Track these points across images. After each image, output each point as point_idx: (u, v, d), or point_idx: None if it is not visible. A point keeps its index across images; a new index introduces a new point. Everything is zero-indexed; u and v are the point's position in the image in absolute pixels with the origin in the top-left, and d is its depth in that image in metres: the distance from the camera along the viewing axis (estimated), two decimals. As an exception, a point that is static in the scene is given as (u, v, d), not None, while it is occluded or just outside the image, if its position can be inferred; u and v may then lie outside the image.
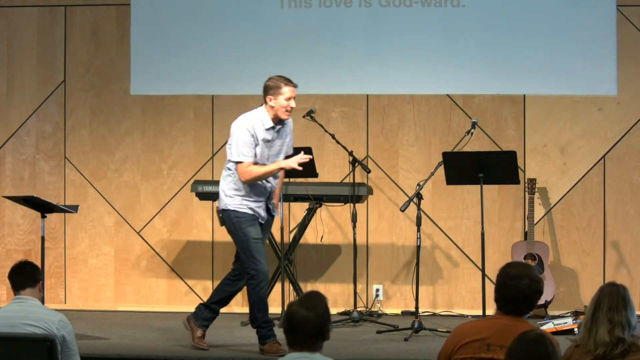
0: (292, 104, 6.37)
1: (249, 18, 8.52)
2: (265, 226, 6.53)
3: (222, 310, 8.47)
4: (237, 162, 6.36)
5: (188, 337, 6.63)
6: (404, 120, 8.45)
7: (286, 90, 6.34)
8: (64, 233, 8.67)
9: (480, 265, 7.45)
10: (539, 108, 8.35)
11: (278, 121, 6.40)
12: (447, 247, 8.38)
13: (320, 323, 3.68)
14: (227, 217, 6.44)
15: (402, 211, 7.19)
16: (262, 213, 6.43)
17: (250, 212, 6.38)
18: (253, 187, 6.39)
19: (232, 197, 6.39)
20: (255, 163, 6.35)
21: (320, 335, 3.69)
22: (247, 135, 6.34)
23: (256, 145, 6.34)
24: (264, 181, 6.41)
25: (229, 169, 6.43)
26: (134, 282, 8.62)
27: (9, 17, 8.75)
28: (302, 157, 6.34)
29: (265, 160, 6.40)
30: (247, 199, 6.38)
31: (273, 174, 6.42)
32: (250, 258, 6.34)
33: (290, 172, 7.34)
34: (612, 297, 4.09)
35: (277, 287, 7.76)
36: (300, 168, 6.35)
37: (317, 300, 3.73)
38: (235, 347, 6.70)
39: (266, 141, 6.38)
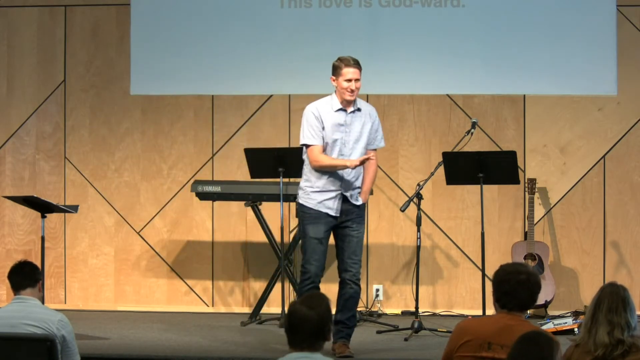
0: (353, 85, 6.26)
1: (249, 18, 8.51)
2: (348, 216, 6.30)
3: (222, 310, 8.52)
4: (306, 146, 6.30)
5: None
6: (404, 120, 8.45)
7: (346, 72, 6.28)
8: (64, 233, 8.67)
9: (480, 265, 7.45)
10: (539, 108, 8.35)
11: (348, 104, 6.32)
12: (447, 247, 8.38)
13: (321, 322, 3.67)
14: (298, 209, 6.49)
15: (402, 211, 7.19)
16: (335, 204, 6.25)
17: (316, 208, 6.27)
18: (325, 177, 6.26)
19: (303, 190, 6.35)
20: (326, 147, 6.27)
21: (321, 335, 3.69)
22: (311, 118, 6.29)
23: (323, 128, 6.26)
24: (339, 171, 6.28)
25: (304, 160, 6.39)
26: (134, 282, 8.62)
27: (9, 17, 8.75)
28: (364, 157, 6.20)
29: (342, 146, 6.27)
30: (318, 190, 6.26)
31: (338, 169, 6.23)
32: (304, 255, 6.35)
33: (289, 172, 7.34)
34: (611, 298, 4.09)
35: (277, 287, 7.76)
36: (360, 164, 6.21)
37: (319, 300, 3.73)
38: (235, 347, 6.70)
39: (339, 125, 6.27)
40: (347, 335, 6.29)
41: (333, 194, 6.27)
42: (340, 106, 6.31)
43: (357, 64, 6.32)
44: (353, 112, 6.34)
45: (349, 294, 6.29)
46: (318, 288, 6.30)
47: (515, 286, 4.15)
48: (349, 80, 6.26)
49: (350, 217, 6.32)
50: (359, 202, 6.36)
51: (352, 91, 6.27)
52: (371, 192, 8.02)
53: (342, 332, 6.26)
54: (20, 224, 8.70)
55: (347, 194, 6.29)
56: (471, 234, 8.31)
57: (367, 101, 8.39)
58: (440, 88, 8.38)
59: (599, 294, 4.14)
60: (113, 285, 8.63)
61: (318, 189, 6.28)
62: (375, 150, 6.44)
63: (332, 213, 6.27)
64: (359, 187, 6.36)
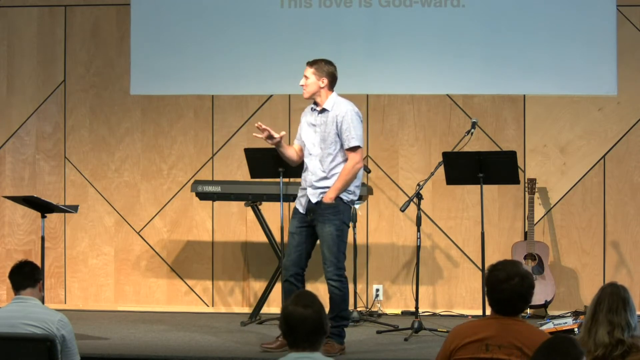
0: (302, 82, 6.42)
1: (249, 18, 8.52)
2: (314, 215, 6.33)
3: (222, 310, 8.51)
4: None
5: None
6: (404, 120, 8.45)
7: None
8: (64, 233, 8.67)
9: (480, 265, 7.45)
10: (539, 108, 8.35)
11: (316, 103, 6.42)
12: (447, 247, 8.38)
13: (319, 319, 3.69)
14: None
15: (402, 211, 7.19)
16: (304, 202, 6.39)
17: (296, 204, 6.48)
18: (302, 174, 6.46)
19: None
20: (303, 146, 6.47)
21: (321, 330, 3.70)
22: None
23: (302, 127, 6.49)
24: (306, 169, 6.41)
25: None
26: (134, 282, 8.62)
27: (9, 17, 8.75)
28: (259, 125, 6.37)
29: (312, 146, 6.39)
30: (300, 187, 6.48)
31: (283, 152, 6.49)
32: None
33: (289, 172, 7.33)
34: (612, 298, 4.09)
35: (277, 287, 7.75)
36: (262, 130, 6.35)
37: (312, 297, 3.75)
38: (235, 347, 6.70)
39: (312, 125, 6.42)
40: (332, 335, 6.28)
41: (304, 192, 6.41)
42: (313, 106, 6.47)
43: (309, 63, 6.45)
44: (321, 112, 6.41)
45: (329, 293, 6.34)
46: (292, 283, 6.37)
47: (509, 295, 4.05)
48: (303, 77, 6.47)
49: (315, 217, 6.36)
50: (314, 200, 6.34)
51: (302, 87, 6.43)
52: (373, 191, 8.03)
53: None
54: (20, 224, 8.70)
55: (309, 193, 6.37)
56: (471, 234, 8.31)
57: (367, 101, 8.45)
58: (440, 88, 8.38)
59: (599, 293, 4.13)
60: (113, 285, 8.63)
61: (301, 186, 6.50)
62: (351, 150, 6.35)
63: (300, 210, 6.42)
64: (324, 188, 6.34)
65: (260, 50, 8.45)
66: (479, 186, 7.24)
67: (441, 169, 7.27)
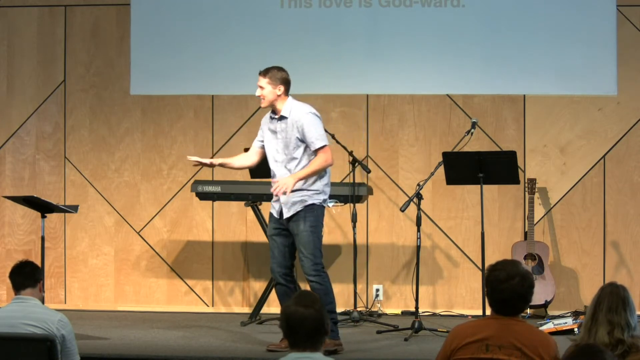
0: (257, 92, 6.40)
1: (249, 18, 8.52)
2: (287, 222, 6.37)
3: (222, 310, 8.51)
4: None
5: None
6: (404, 120, 8.45)
7: None
8: (64, 233, 8.67)
9: (480, 265, 7.45)
10: (539, 108, 8.35)
11: (273, 111, 6.43)
12: (447, 247, 8.38)
13: (320, 319, 3.70)
14: None
15: (402, 211, 7.18)
16: (277, 206, 6.42)
17: (270, 209, 6.50)
18: (272, 183, 6.43)
19: None
20: (264, 149, 6.51)
21: (323, 330, 3.71)
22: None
23: (263, 134, 6.49)
24: (274, 176, 6.42)
25: None
26: (134, 282, 8.62)
27: (9, 17, 8.75)
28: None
29: (275, 152, 6.40)
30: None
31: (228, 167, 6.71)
32: None
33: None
34: (611, 298, 4.09)
35: (277, 287, 7.75)
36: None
37: (312, 297, 3.76)
38: (235, 347, 6.70)
39: (273, 132, 6.42)
40: None
41: (276, 197, 6.38)
42: (271, 114, 6.47)
43: (261, 72, 6.40)
44: (280, 119, 6.39)
45: (310, 289, 6.33)
46: (283, 284, 6.44)
47: (509, 295, 4.04)
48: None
49: (291, 226, 6.39)
50: (288, 215, 6.33)
51: (259, 98, 6.42)
52: (373, 191, 8.03)
53: None
54: (20, 224, 8.70)
55: (282, 200, 6.35)
56: (471, 234, 8.31)
57: (367, 101, 8.45)
58: (440, 88, 8.38)
59: (599, 293, 4.13)
60: (113, 285, 8.63)
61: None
62: (318, 150, 6.33)
63: (275, 214, 6.45)
64: (292, 191, 6.27)
65: (260, 50, 8.45)
66: (479, 186, 7.24)
67: (441, 169, 7.27)
